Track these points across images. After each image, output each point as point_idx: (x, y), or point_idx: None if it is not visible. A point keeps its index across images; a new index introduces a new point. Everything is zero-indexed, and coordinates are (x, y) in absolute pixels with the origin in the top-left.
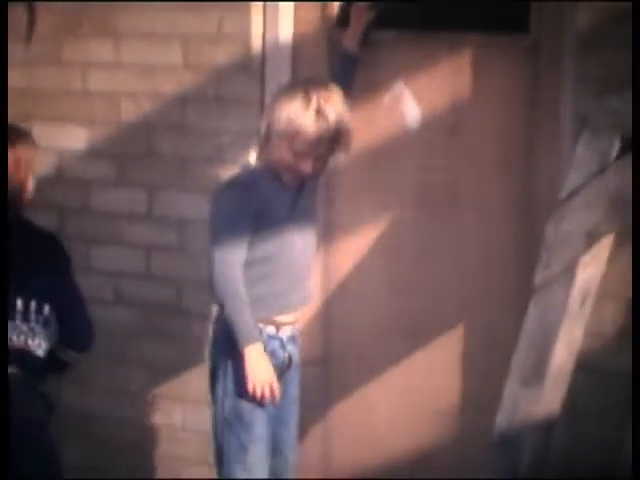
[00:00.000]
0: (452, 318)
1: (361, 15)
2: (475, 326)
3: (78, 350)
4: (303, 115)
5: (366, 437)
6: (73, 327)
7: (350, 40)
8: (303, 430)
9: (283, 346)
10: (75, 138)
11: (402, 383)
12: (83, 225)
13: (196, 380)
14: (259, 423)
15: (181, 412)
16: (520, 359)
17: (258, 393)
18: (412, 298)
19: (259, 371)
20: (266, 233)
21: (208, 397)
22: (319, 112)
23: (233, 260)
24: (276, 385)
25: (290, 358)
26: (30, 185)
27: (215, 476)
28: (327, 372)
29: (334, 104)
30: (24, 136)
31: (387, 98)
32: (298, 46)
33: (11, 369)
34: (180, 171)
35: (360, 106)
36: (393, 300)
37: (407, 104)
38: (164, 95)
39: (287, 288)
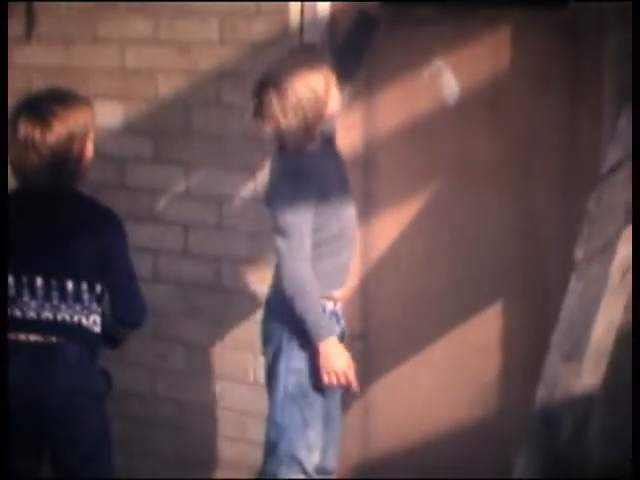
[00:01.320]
0: (492, 293)
1: None
2: (516, 301)
3: (130, 327)
4: (322, 84)
5: (406, 412)
6: (125, 305)
7: None
8: (344, 405)
9: (339, 320)
10: (111, 115)
11: (442, 358)
12: (119, 202)
13: (232, 358)
14: (321, 400)
15: (218, 389)
16: (561, 333)
17: (334, 384)
18: (452, 273)
19: (335, 363)
20: (329, 214)
21: (262, 374)
22: (326, 76)
23: (302, 254)
24: (352, 373)
25: (343, 334)
26: (87, 159)
27: (254, 452)
28: (367, 347)
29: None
30: (80, 106)
31: (426, 74)
32: (335, 21)
33: (73, 346)
34: (217, 148)
35: (399, 82)
36: (432, 275)
37: (446, 80)
38: (201, 71)
39: (347, 262)
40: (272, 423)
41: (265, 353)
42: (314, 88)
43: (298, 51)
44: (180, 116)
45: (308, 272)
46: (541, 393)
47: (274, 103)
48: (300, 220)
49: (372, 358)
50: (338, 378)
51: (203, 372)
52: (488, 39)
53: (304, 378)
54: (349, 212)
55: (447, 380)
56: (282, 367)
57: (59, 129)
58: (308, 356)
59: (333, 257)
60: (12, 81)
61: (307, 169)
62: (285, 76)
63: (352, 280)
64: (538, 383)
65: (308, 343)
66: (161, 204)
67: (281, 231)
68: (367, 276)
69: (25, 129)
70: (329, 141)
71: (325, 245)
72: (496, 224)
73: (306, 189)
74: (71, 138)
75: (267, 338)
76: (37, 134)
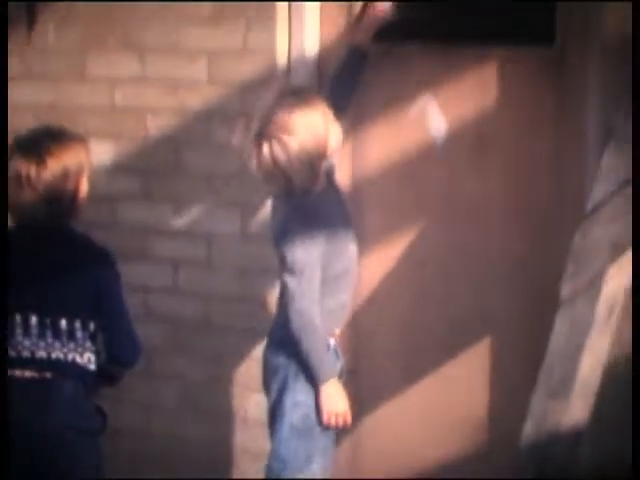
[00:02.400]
0: (480, 329)
1: (377, 10)
2: (503, 337)
3: (124, 365)
4: (322, 123)
5: (396, 447)
6: (119, 343)
7: (362, 33)
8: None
9: (338, 357)
10: (101, 153)
11: (431, 393)
12: (110, 240)
13: (224, 395)
14: (326, 434)
15: (210, 426)
16: (547, 370)
17: (333, 424)
18: (440, 309)
19: (335, 405)
20: (335, 252)
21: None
22: (324, 114)
23: (311, 294)
24: (349, 415)
25: (343, 368)
26: (82, 196)
27: None
28: (357, 382)
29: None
30: (75, 144)
31: (413, 110)
32: (323, 59)
33: (68, 382)
34: (206, 186)
35: (387, 118)
36: (422, 311)
37: (433, 116)
38: (189, 110)
39: (348, 300)
40: (276, 457)
41: (268, 388)
42: (314, 129)
43: (290, 93)
44: (169, 154)
45: (315, 312)
46: (528, 429)
47: (276, 150)
48: (311, 260)
49: (362, 393)
50: (337, 420)
51: (196, 409)
52: (475, 76)
53: (310, 412)
54: (352, 249)
55: (436, 415)
56: (288, 402)
57: (54, 166)
58: (314, 390)
59: (337, 295)
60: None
61: (316, 209)
62: (284, 121)
63: None
64: (525, 419)
65: (313, 378)
66: (151, 242)
67: (291, 270)
68: (357, 311)
69: (20, 166)
70: (330, 177)
71: (330, 283)
72: (483, 261)
73: (316, 229)
74: (66, 176)
75: (271, 373)
76: (32, 171)
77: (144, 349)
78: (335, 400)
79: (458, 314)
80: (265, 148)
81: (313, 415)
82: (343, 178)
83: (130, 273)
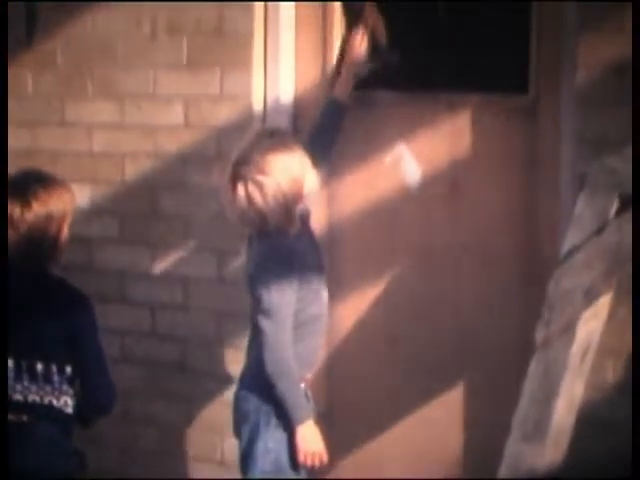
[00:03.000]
0: (454, 373)
1: (353, 65)
2: (477, 380)
3: (98, 412)
4: (298, 165)
5: None
6: (94, 388)
7: (341, 87)
8: None
9: (309, 400)
10: (78, 197)
11: (406, 436)
12: (87, 283)
13: (201, 438)
14: (295, 477)
15: (189, 470)
16: (522, 414)
17: (309, 464)
18: (416, 354)
19: (311, 445)
20: (309, 296)
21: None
22: (300, 156)
23: (285, 336)
24: (325, 455)
25: (314, 411)
26: (63, 241)
27: None
28: (331, 427)
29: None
30: (60, 189)
31: (388, 158)
32: (299, 105)
33: (44, 425)
34: (183, 229)
35: (361, 166)
36: (395, 355)
37: (408, 164)
38: (166, 154)
39: (320, 345)
40: None
41: (239, 434)
42: (290, 170)
43: (266, 135)
44: (146, 198)
45: (290, 355)
46: (503, 472)
47: (252, 191)
48: (285, 302)
49: (336, 437)
50: (313, 459)
51: (174, 452)
52: (449, 123)
53: (281, 457)
54: (324, 295)
55: (411, 458)
56: (260, 448)
57: (38, 209)
58: (285, 436)
59: (309, 339)
60: None
61: (290, 251)
62: (260, 162)
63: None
64: (500, 462)
65: (284, 423)
66: (128, 285)
67: (266, 312)
68: (331, 355)
69: (25, 212)
70: (304, 221)
71: (302, 328)
72: (458, 305)
73: (290, 271)
74: (49, 219)
75: (242, 419)
76: (16, 212)
77: (121, 392)
78: (311, 440)
79: (433, 359)
80: (240, 188)
81: (284, 460)
82: (319, 224)
83: (107, 316)
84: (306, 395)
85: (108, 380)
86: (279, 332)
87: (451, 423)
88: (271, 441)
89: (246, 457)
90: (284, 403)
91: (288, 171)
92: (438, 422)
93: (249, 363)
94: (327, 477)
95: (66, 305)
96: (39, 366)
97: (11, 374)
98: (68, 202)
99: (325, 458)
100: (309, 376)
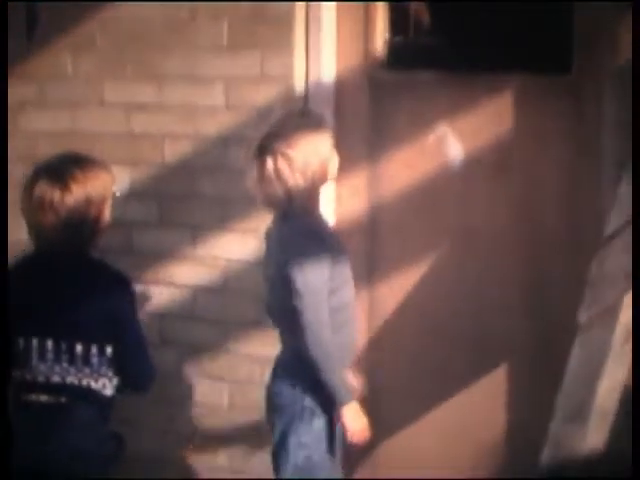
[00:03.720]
0: (497, 354)
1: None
2: (520, 362)
3: (137, 390)
4: (326, 147)
5: (413, 472)
6: (133, 368)
7: None
8: (351, 465)
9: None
10: (118, 179)
11: (447, 419)
12: (126, 266)
13: (241, 419)
14: (328, 472)
15: (227, 455)
16: (564, 397)
17: (356, 442)
18: (457, 336)
19: (357, 424)
20: (341, 279)
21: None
22: (329, 138)
23: (323, 317)
24: (368, 432)
25: None
26: (103, 224)
27: None
28: (374, 409)
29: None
30: (100, 171)
31: (430, 139)
32: (340, 85)
33: (82, 407)
34: (223, 211)
35: (404, 147)
36: (438, 338)
37: (450, 145)
38: (206, 136)
39: (356, 332)
40: None
41: (273, 423)
42: (319, 150)
43: (298, 114)
44: (186, 180)
45: (330, 335)
46: (546, 453)
47: (281, 164)
48: (320, 281)
49: (378, 420)
50: (359, 437)
51: (211, 435)
52: (492, 103)
53: (313, 452)
54: (351, 288)
55: (453, 439)
56: (293, 442)
57: (77, 192)
58: (316, 429)
59: (345, 328)
60: (18, 146)
61: (321, 230)
62: (291, 138)
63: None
64: (543, 443)
65: (316, 416)
66: (167, 268)
67: (302, 293)
68: (372, 339)
69: (44, 191)
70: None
71: (337, 314)
72: (499, 288)
73: (322, 249)
74: (89, 202)
75: (276, 412)
76: (56, 196)
77: (159, 374)
78: (357, 419)
79: (474, 340)
80: (269, 162)
81: (317, 455)
82: (359, 206)
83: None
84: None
85: (147, 360)
86: (317, 312)
87: (494, 404)
88: (304, 436)
89: (279, 450)
90: (328, 383)
91: (317, 150)
92: (480, 403)
93: (282, 356)
94: (368, 460)
95: (106, 287)
96: (78, 348)
97: (50, 356)
98: (108, 185)
99: (368, 435)
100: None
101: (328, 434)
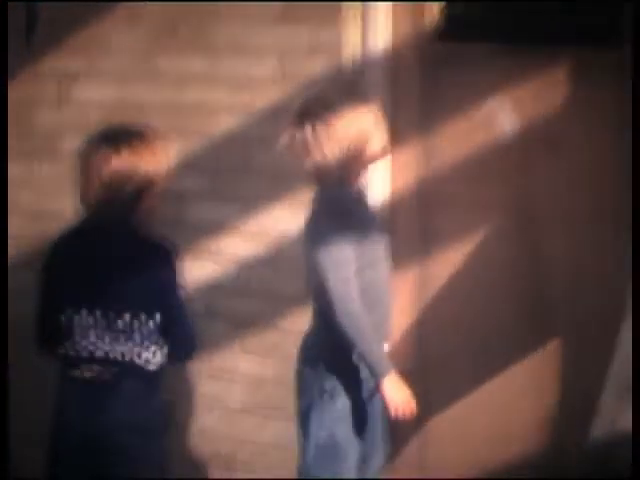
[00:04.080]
0: (550, 329)
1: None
2: (573, 337)
3: (181, 360)
4: (369, 120)
5: (463, 447)
6: (178, 338)
7: None
8: (400, 441)
9: None
10: (170, 152)
11: (499, 393)
12: (177, 238)
13: (289, 395)
14: (353, 452)
15: (274, 428)
16: (616, 373)
17: (400, 415)
18: (510, 309)
19: (400, 395)
20: (366, 260)
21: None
22: (373, 112)
23: (353, 295)
24: (413, 404)
25: None
26: (156, 197)
27: None
28: (423, 382)
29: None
30: (157, 143)
31: (484, 111)
32: (393, 57)
33: (128, 381)
34: (274, 184)
35: (457, 118)
36: (491, 311)
37: (504, 117)
38: (258, 108)
39: (382, 320)
40: (304, 476)
41: (299, 399)
42: (359, 122)
43: (342, 85)
44: (237, 153)
45: (361, 310)
46: (595, 430)
47: (319, 130)
48: (344, 257)
49: (428, 393)
50: (404, 410)
51: (258, 409)
52: (547, 75)
53: (336, 430)
54: (385, 264)
55: (503, 415)
56: (314, 421)
57: (133, 162)
58: (338, 409)
59: (373, 310)
60: (69, 117)
61: (349, 204)
62: (333, 104)
63: (408, 315)
64: (592, 420)
65: (338, 396)
66: (217, 240)
67: (327, 268)
68: (424, 311)
69: (100, 158)
70: (363, 195)
71: (364, 295)
72: (553, 260)
73: (348, 223)
74: (143, 173)
75: (301, 388)
76: (112, 164)
77: (206, 347)
78: (398, 391)
79: (528, 313)
80: (308, 127)
81: (339, 436)
82: (412, 177)
83: (196, 271)
84: None
85: (191, 331)
86: (345, 286)
87: (545, 377)
88: (326, 414)
89: (301, 430)
90: (366, 359)
91: (358, 121)
92: (531, 379)
93: (306, 336)
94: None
95: (151, 257)
96: (122, 321)
97: (96, 329)
98: (163, 158)
99: (414, 407)
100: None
101: (354, 413)
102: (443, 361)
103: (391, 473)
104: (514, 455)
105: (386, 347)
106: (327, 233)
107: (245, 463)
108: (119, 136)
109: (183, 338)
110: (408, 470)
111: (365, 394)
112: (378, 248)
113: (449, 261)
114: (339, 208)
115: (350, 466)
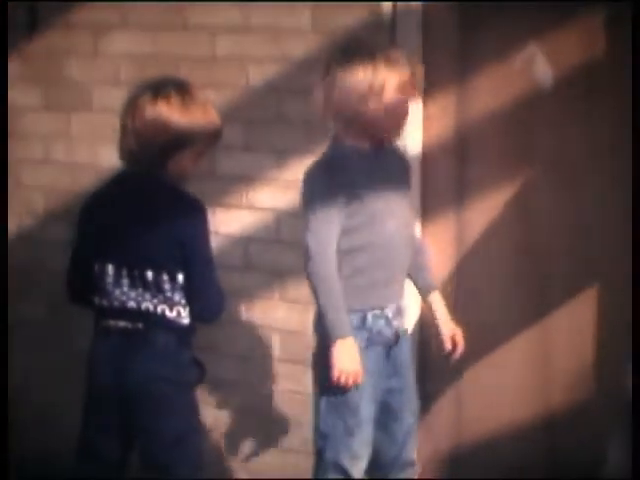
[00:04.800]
0: (585, 281)
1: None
2: (607, 288)
3: (205, 320)
4: (387, 81)
5: (497, 401)
6: (201, 297)
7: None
8: (434, 396)
9: (389, 323)
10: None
11: (532, 346)
12: (210, 190)
13: None
14: (365, 405)
15: (309, 378)
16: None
17: (342, 382)
18: (544, 259)
19: (345, 363)
20: (361, 217)
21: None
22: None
23: (327, 250)
24: (360, 376)
25: (397, 333)
26: (188, 154)
27: None
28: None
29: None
30: (202, 99)
31: (519, 60)
32: (428, 9)
33: (160, 333)
34: (307, 136)
35: (492, 68)
36: (525, 261)
37: (539, 66)
38: (292, 59)
39: (388, 279)
40: (317, 431)
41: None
42: (366, 80)
43: (373, 37)
44: (271, 104)
45: (332, 268)
46: (630, 382)
47: (327, 88)
48: (329, 211)
49: (465, 349)
50: (347, 378)
51: (294, 359)
52: (582, 25)
53: (339, 390)
54: (393, 224)
55: (537, 367)
56: (322, 377)
57: (180, 115)
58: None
59: (367, 271)
60: (100, 69)
61: (344, 161)
62: (353, 59)
63: (444, 266)
64: (627, 370)
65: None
66: (251, 192)
67: (309, 228)
68: (459, 262)
69: (137, 108)
70: (392, 152)
71: (358, 254)
72: (589, 211)
73: (338, 182)
74: (187, 129)
75: (315, 343)
76: (149, 113)
77: (243, 299)
78: (345, 359)
79: (562, 264)
80: (327, 78)
81: (348, 389)
82: (447, 128)
83: (231, 223)
84: (386, 318)
85: (215, 291)
86: (321, 246)
87: (579, 331)
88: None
89: (314, 382)
90: (323, 317)
91: (363, 80)
92: (566, 330)
93: None
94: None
95: (177, 212)
96: (150, 274)
97: (125, 281)
98: (197, 114)
99: (360, 379)
100: (391, 307)
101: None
102: (480, 313)
103: (426, 429)
104: (549, 406)
105: (402, 305)
106: (313, 189)
107: (281, 413)
108: (159, 88)
109: (207, 298)
110: (443, 425)
111: (379, 350)
112: (389, 204)
113: (486, 210)
114: (331, 164)
115: (360, 421)
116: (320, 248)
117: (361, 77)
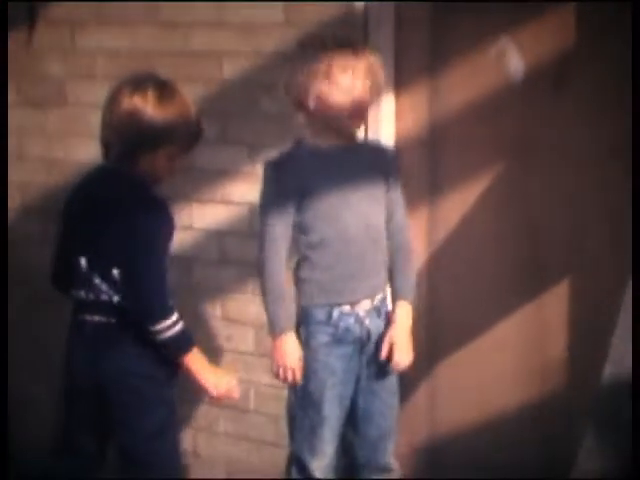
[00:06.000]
0: (559, 272)
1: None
2: (583, 279)
3: (138, 319)
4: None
5: (472, 392)
6: (138, 297)
7: None
8: (409, 387)
9: (360, 321)
10: None
11: (508, 336)
12: (185, 184)
13: None
14: (328, 404)
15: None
16: (627, 314)
17: (281, 377)
18: (519, 250)
19: (282, 358)
20: (314, 213)
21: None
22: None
23: (274, 245)
24: (299, 373)
25: (369, 331)
26: (163, 154)
27: None
28: (433, 325)
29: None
30: (180, 96)
31: (492, 51)
32: (401, 4)
33: (131, 327)
34: (281, 129)
35: (465, 59)
36: (499, 252)
37: (512, 57)
38: (265, 53)
39: (354, 274)
40: (288, 425)
41: None
42: (314, 62)
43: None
44: (245, 98)
45: (277, 264)
46: (607, 370)
47: (287, 75)
48: (276, 208)
49: (439, 337)
50: (285, 374)
51: (269, 354)
52: (554, 16)
53: (307, 383)
54: (352, 219)
55: (513, 359)
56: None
57: (162, 111)
58: (308, 359)
59: (330, 267)
60: (77, 65)
61: (295, 158)
62: (315, 54)
63: (419, 259)
64: (605, 362)
65: (307, 345)
66: (226, 185)
67: (260, 220)
68: (433, 255)
69: (115, 101)
70: (366, 148)
71: (318, 250)
72: (563, 200)
73: (287, 179)
74: (167, 123)
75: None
76: (124, 106)
77: (218, 292)
78: (284, 354)
79: (537, 255)
80: (293, 73)
81: (310, 384)
82: (420, 119)
83: (205, 217)
84: (356, 316)
85: (155, 295)
86: (265, 241)
87: (557, 322)
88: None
89: None
90: (266, 311)
91: (320, 61)
92: (541, 322)
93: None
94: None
95: (135, 210)
96: (115, 272)
97: (97, 275)
98: (171, 111)
99: (299, 377)
100: (362, 304)
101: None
102: (454, 303)
103: (400, 422)
104: (526, 397)
105: (367, 303)
106: (264, 186)
107: (258, 405)
108: (140, 82)
109: (143, 299)
110: (418, 417)
111: (348, 348)
112: (346, 199)
113: (458, 202)
114: (280, 162)
115: (323, 418)
116: (270, 244)
117: (309, 60)
